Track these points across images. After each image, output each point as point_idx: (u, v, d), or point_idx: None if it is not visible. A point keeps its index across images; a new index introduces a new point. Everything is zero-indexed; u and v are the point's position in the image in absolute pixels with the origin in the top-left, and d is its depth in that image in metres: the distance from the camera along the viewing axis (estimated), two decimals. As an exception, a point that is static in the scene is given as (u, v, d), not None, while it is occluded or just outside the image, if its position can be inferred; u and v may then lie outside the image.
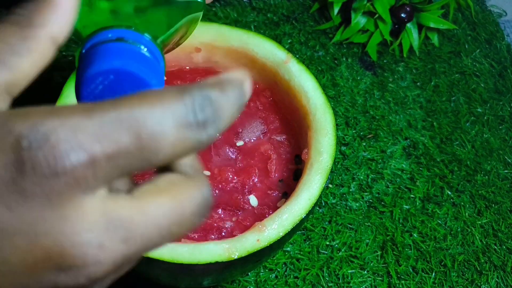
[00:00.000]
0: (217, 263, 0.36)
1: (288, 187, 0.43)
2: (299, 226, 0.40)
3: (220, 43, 0.48)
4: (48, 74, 0.63)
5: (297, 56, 0.71)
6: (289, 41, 0.72)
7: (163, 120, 0.18)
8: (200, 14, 0.33)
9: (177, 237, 0.20)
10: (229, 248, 0.36)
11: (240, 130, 0.46)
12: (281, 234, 0.38)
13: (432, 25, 0.72)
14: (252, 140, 0.45)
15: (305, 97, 0.45)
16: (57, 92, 0.62)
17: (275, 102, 0.48)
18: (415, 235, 0.58)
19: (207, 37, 0.47)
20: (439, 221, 0.59)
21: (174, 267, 0.36)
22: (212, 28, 0.47)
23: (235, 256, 0.36)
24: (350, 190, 0.60)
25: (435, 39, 0.75)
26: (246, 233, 0.37)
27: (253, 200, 0.42)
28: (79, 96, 0.26)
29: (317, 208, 0.58)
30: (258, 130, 0.46)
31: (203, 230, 0.39)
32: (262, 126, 0.46)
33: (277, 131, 0.46)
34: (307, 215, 0.39)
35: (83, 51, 0.27)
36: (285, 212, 0.38)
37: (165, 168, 0.20)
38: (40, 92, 0.61)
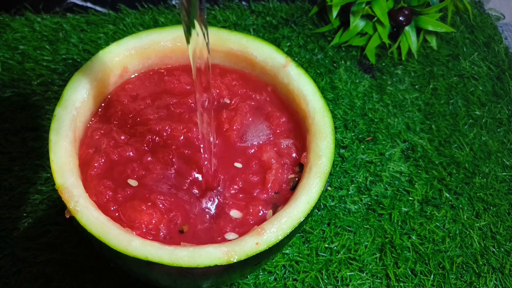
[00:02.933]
0: (216, 266, 0.36)
1: (282, 198, 0.42)
2: (298, 229, 0.40)
3: (219, 47, 0.48)
4: (48, 77, 0.63)
5: (296, 59, 0.71)
6: (288, 44, 0.73)
7: None
8: None
9: None
10: (228, 251, 0.36)
11: (245, 133, 0.45)
12: (280, 237, 0.38)
13: (430, 28, 0.73)
14: (255, 144, 0.44)
15: (304, 100, 0.45)
16: (58, 94, 0.62)
17: (279, 99, 0.48)
18: (413, 237, 0.58)
19: (206, 41, 0.48)
20: (438, 224, 0.59)
21: (174, 271, 0.37)
22: (211, 31, 0.48)
23: (234, 259, 0.36)
24: (349, 192, 0.60)
25: (433, 42, 0.76)
26: (245, 236, 0.38)
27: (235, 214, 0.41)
28: None
29: (316, 210, 0.58)
30: (264, 135, 0.45)
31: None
32: (268, 131, 0.45)
33: (283, 135, 0.45)
34: (306, 218, 0.39)
35: None
36: (284, 216, 0.38)
37: None
38: (42, 94, 0.62)
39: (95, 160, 0.41)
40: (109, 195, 0.40)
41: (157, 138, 0.43)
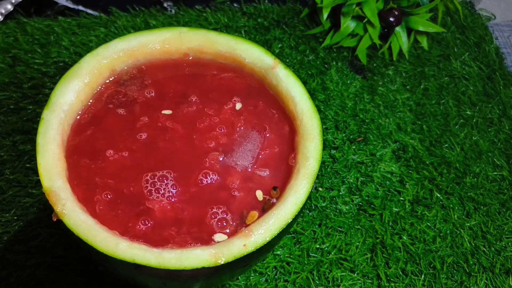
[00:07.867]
0: (204, 268, 0.36)
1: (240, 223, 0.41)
2: (287, 231, 0.40)
3: (208, 49, 0.48)
4: (40, 81, 0.63)
5: (287, 60, 0.71)
6: (279, 45, 0.73)
7: None
8: None
9: None
10: (216, 253, 0.36)
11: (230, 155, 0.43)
12: (268, 239, 0.38)
13: (421, 28, 0.73)
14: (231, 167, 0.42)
15: (292, 102, 0.45)
16: (49, 97, 0.62)
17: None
18: (404, 237, 0.58)
19: (194, 43, 0.48)
20: (428, 224, 0.59)
21: (162, 273, 0.37)
22: (200, 33, 0.48)
23: (222, 261, 0.36)
24: (340, 193, 0.60)
25: (424, 42, 0.76)
26: (232, 238, 0.38)
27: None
28: None
29: (307, 211, 0.58)
30: (242, 165, 0.43)
31: None
32: (250, 163, 0.43)
33: (262, 165, 0.43)
34: (294, 219, 0.39)
35: None
36: (272, 217, 0.38)
37: None
38: (33, 97, 0.62)
39: (97, 194, 0.40)
40: (128, 215, 0.40)
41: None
